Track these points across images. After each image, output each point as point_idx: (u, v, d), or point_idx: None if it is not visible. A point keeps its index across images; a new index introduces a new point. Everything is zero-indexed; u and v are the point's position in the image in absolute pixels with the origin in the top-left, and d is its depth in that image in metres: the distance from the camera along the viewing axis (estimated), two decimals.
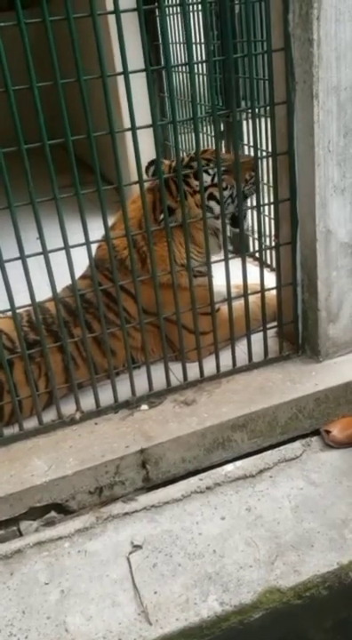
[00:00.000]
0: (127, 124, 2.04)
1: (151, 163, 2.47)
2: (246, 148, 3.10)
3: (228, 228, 2.67)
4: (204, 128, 3.55)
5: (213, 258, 2.49)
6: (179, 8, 3.28)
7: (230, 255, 2.38)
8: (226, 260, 2.36)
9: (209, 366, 2.50)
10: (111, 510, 2.14)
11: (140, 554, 1.96)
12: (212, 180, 2.53)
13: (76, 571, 1.93)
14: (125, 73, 1.98)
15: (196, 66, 3.04)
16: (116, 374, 2.46)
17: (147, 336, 2.41)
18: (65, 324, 2.40)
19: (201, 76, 2.94)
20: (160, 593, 1.82)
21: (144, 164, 2.22)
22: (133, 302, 2.43)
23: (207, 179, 2.53)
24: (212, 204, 2.53)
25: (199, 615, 1.73)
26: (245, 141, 3.15)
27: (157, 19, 3.92)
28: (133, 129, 2.04)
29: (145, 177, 2.22)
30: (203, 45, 3.31)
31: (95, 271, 2.34)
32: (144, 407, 2.42)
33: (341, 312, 2.49)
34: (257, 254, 3.29)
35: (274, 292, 2.56)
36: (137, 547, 1.98)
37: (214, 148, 2.60)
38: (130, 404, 2.43)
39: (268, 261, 3.21)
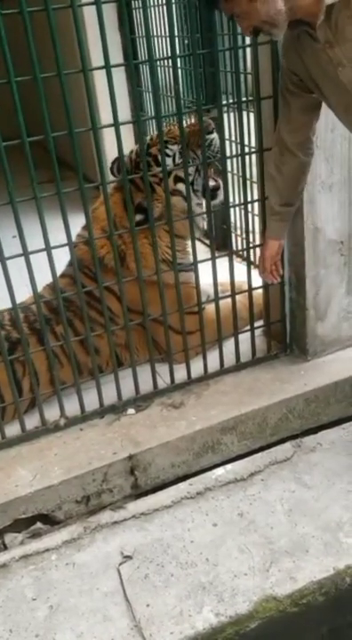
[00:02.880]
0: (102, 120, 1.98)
1: (114, 161, 2.35)
2: (230, 143, 3.04)
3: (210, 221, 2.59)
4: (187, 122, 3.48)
5: (197, 243, 2.39)
6: (159, 0, 3.21)
7: (217, 254, 2.33)
8: (212, 258, 2.30)
9: (196, 367, 2.44)
10: (99, 519, 2.08)
11: (130, 564, 1.90)
12: (173, 160, 2.40)
13: (64, 584, 1.86)
14: (107, 67, 1.91)
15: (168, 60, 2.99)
16: (100, 374, 2.39)
17: (131, 334, 2.34)
18: (47, 321, 2.34)
19: (179, 71, 2.88)
20: (153, 605, 1.76)
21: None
22: (115, 300, 2.38)
23: (168, 161, 2.35)
24: (180, 186, 2.41)
25: (194, 628, 1.68)
26: (228, 137, 3.09)
27: (134, 12, 3.86)
28: (116, 124, 1.97)
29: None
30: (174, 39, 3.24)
31: (76, 270, 2.25)
32: (131, 411, 2.35)
33: (329, 310, 2.46)
34: (242, 252, 3.27)
35: (260, 291, 2.51)
36: (127, 557, 1.92)
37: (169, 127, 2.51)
38: (116, 408, 2.36)
39: (252, 259, 3.16)
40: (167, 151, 2.37)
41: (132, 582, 1.84)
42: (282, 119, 1.95)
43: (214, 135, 2.35)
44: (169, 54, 2.07)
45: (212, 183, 2.41)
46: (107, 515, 2.10)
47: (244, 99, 2.41)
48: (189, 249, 2.42)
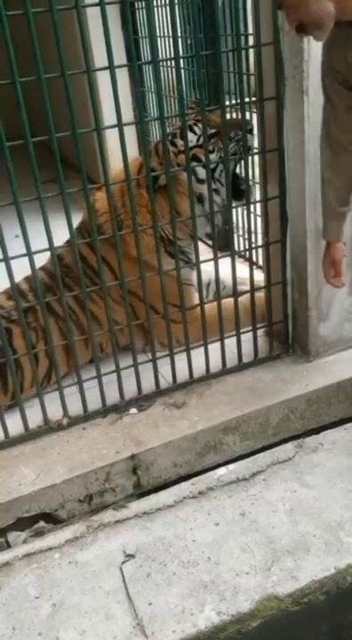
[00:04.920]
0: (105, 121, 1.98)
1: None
2: None
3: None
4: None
5: (200, 233, 2.43)
6: (162, 0, 3.21)
7: (220, 254, 2.33)
8: (215, 259, 2.31)
9: (198, 367, 2.45)
10: (102, 518, 2.09)
11: (132, 563, 1.91)
12: (198, 140, 2.40)
13: (67, 583, 1.87)
14: (111, 67, 1.91)
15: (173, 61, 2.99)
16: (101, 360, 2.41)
17: (129, 312, 2.35)
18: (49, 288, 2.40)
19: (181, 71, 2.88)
20: (155, 604, 1.77)
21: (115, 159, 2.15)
22: (113, 277, 2.40)
23: (192, 138, 2.38)
24: (199, 169, 2.40)
25: (196, 626, 1.69)
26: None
27: (137, 12, 3.86)
28: (120, 125, 1.98)
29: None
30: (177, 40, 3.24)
31: (76, 238, 2.22)
32: (133, 411, 2.36)
33: (331, 311, 2.46)
34: (244, 252, 3.28)
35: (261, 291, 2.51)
36: (130, 556, 1.93)
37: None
38: (118, 407, 2.37)
39: (254, 259, 3.17)
40: (195, 129, 2.40)
41: (134, 581, 1.84)
42: (330, 120, 1.90)
43: (251, 137, 2.35)
44: (172, 55, 2.07)
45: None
46: (109, 514, 2.11)
47: (246, 100, 2.41)
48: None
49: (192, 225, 2.29)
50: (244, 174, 2.45)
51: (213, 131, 2.36)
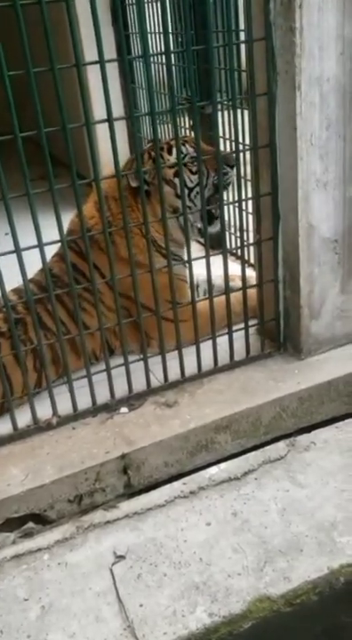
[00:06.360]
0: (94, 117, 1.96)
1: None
2: (223, 140, 3.02)
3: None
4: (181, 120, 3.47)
5: (176, 241, 2.49)
6: None
7: (211, 252, 2.31)
8: (207, 256, 2.28)
9: (190, 365, 2.42)
10: (92, 519, 2.06)
11: (123, 564, 1.88)
12: (184, 158, 2.48)
13: (56, 585, 1.85)
14: (102, 62, 1.89)
15: (161, 56, 2.97)
16: (91, 364, 2.38)
17: (121, 320, 2.31)
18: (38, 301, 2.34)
19: (164, 67, 2.87)
20: (146, 605, 1.74)
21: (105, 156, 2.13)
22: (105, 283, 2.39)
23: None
24: (177, 180, 2.44)
25: (188, 628, 1.67)
26: (222, 134, 3.08)
27: (128, 8, 3.84)
28: (110, 120, 1.95)
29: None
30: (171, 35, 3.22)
31: (67, 251, 2.21)
32: (124, 410, 2.33)
33: (323, 309, 2.45)
34: (235, 250, 3.27)
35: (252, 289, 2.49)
36: (120, 557, 1.90)
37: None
38: (109, 407, 2.34)
39: (246, 257, 3.14)
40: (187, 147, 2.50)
41: (124, 582, 1.82)
42: None
43: (232, 172, 2.45)
44: (162, 50, 2.04)
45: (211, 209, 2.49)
46: (99, 514, 2.08)
47: (238, 96, 2.39)
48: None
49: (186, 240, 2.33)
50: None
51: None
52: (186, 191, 2.47)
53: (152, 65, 2.06)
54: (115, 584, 1.82)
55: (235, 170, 2.46)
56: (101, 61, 1.88)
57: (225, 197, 2.46)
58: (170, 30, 3.31)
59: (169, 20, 2.04)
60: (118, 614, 1.73)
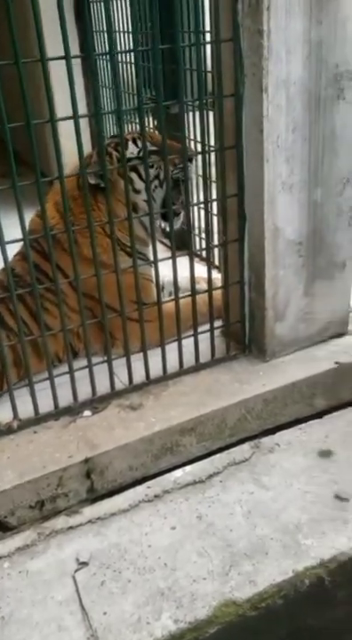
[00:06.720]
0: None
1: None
2: (190, 142, 3.01)
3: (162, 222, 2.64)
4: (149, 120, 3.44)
5: (138, 239, 2.45)
6: None
7: (177, 253, 2.29)
8: (173, 257, 2.26)
9: (155, 367, 2.40)
10: (54, 525, 2.01)
11: (86, 571, 1.84)
12: (139, 153, 2.48)
13: (17, 594, 1.79)
14: (67, 57, 1.85)
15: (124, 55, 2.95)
16: (54, 367, 2.32)
17: (85, 320, 2.27)
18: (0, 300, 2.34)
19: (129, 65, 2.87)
20: (110, 613, 1.71)
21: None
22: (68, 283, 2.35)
23: (134, 150, 2.51)
24: (133, 175, 2.49)
25: (153, 635, 1.64)
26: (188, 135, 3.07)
27: (92, 5, 3.79)
28: (75, 117, 1.91)
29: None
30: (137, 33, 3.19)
31: (29, 250, 2.16)
32: (87, 413, 2.29)
33: (288, 311, 2.46)
34: (200, 252, 3.26)
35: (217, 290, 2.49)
36: (83, 564, 1.86)
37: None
38: (71, 410, 2.29)
39: (212, 259, 3.14)
40: (138, 142, 2.48)
41: (88, 590, 1.78)
42: None
43: (191, 166, 2.46)
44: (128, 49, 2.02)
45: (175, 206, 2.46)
46: (62, 520, 2.03)
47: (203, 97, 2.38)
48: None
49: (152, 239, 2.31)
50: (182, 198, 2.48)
51: (155, 148, 2.42)
52: (143, 185, 2.43)
53: (118, 63, 2.02)
54: (78, 592, 1.78)
55: (194, 165, 2.45)
56: (67, 57, 1.84)
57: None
58: (136, 29, 3.29)
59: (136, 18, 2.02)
60: (81, 623, 1.69)
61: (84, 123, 2.01)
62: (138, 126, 2.55)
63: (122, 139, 2.18)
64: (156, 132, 2.53)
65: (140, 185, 2.51)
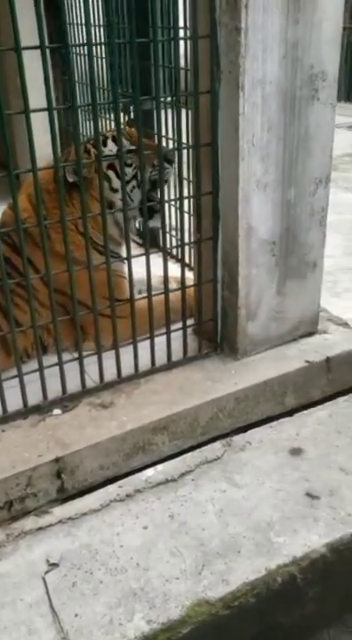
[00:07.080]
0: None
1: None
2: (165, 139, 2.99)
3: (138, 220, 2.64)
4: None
5: (111, 238, 2.43)
6: None
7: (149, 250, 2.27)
8: (146, 254, 2.24)
9: (127, 365, 2.37)
10: (23, 526, 1.96)
11: (56, 572, 1.80)
12: (118, 151, 2.43)
13: None
14: (42, 47, 1.80)
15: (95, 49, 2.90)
16: (23, 363, 2.27)
17: (56, 316, 2.22)
18: None
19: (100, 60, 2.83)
20: (81, 615, 1.68)
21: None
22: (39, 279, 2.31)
23: (113, 148, 2.49)
24: (111, 173, 2.49)
25: (125, 637, 1.62)
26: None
27: None
28: (50, 109, 1.87)
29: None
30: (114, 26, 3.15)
31: None
32: (57, 412, 2.25)
33: (259, 310, 2.47)
34: (172, 250, 3.24)
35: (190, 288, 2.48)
36: (53, 565, 1.82)
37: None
38: (41, 408, 2.25)
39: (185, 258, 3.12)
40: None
41: (58, 591, 1.74)
42: None
43: (171, 168, 2.46)
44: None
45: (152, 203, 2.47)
46: (31, 520, 1.99)
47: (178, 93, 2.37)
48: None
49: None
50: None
51: (133, 147, 2.43)
52: (119, 184, 2.41)
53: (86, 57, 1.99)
54: (48, 593, 1.74)
55: (173, 166, 2.44)
56: (42, 47, 1.80)
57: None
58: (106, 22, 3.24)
59: (112, 11, 1.98)
60: (52, 625, 1.66)
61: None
62: (111, 123, 2.52)
63: (97, 135, 2.15)
64: (133, 129, 2.50)
65: (117, 184, 2.50)
